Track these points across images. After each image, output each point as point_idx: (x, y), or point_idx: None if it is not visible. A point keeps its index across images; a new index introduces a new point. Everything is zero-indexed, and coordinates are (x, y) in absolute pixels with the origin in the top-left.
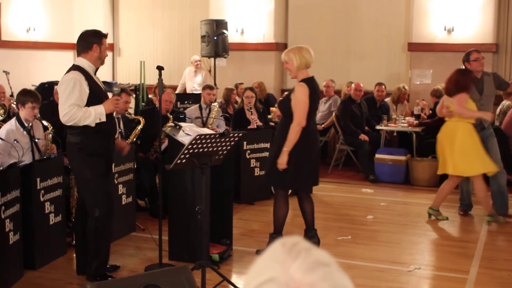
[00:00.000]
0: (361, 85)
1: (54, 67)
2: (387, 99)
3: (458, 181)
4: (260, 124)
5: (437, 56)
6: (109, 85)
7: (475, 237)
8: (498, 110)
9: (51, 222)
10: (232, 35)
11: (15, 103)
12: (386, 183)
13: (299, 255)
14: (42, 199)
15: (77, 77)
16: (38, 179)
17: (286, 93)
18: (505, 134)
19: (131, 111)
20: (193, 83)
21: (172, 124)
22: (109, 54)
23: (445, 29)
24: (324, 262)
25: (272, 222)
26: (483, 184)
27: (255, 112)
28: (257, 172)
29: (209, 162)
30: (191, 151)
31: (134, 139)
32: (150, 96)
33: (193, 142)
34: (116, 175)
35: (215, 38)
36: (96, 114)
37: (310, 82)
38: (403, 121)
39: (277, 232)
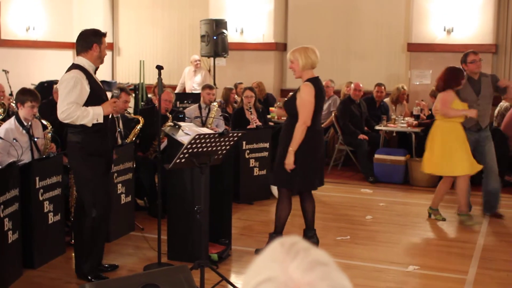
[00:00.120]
0: (361, 85)
1: (53, 66)
2: (386, 99)
3: (452, 181)
4: (260, 124)
5: (436, 56)
6: (108, 84)
7: (473, 237)
8: (496, 111)
9: (50, 221)
10: (232, 35)
11: (14, 102)
12: (385, 183)
13: (297, 255)
14: (41, 198)
15: (78, 76)
16: (37, 178)
17: (291, 93)
18: (504, 134)
19: (131, 110)
20: (193, 83)
21: (172, 124)
22: (109, 53)
23: (444, 30)
24: (322, 261)
25: (271, 222)
26: (467, 184)
27: (254, 112)
28: (256, 172)
29: (208, 162)
30: (190, 150)
31: (133, 139)
32: (149, 95)
33: (192, 141)
34: (115, 174)
35: (215, 37)
36: (94, 115)
37: (316, 82)
38: (402, 121)
39: (277, 232)
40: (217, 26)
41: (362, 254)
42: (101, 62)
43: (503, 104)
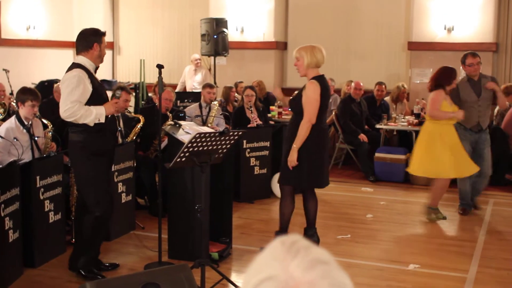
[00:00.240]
0: (361, 84)
1: (54, 65)
2: (387, 98)
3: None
4: (260, 122)
5: (437, 55)
6: (108, 83)
7: (474, 236)
8: (495, 111)
9: (50, 220)
10: (232, 34)
11: (14, 101)
12: (386, 182)
13: (298, 253)
14: (41, 197)
15: (81, 74)
16: (37, 177)
17: (296, 91)
18: (504, 133)
19: (131, 109)
20: (193, 82)
21: (172, 123)
22: (109, 52)
23: (445, 28)
24: (323, 260)
25: (272, 220)
26: (446, 184)
27: (255, 110)
28: (256, 170)
29: (209, 161)
30: (190, 149)
31: (134, 138)
32: (150, 94)
33: (193, 140)
34: (116, 173)
35: (215, 36)
36: (96, 114)
37: (321, 80)
38: (402, 120)
39: (282, 230)
40: (217, 25)
41: (362, 252)
42: (101, 61)
43: None
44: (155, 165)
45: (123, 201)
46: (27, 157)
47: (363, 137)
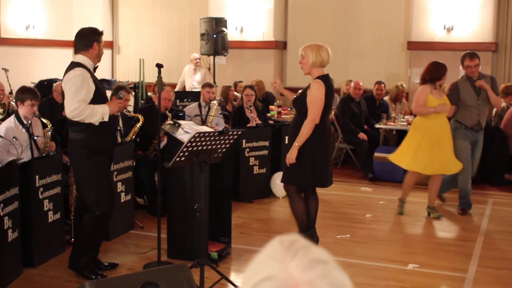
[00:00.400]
0: (361, 83)
1: (53, 64)
2: (386, 98)
3: (440, 176)
4: (259, 122)
5: (436, 54)
6: (108, 82)
7: (473, 236)
8: (494, 111)
9: (50, 220)
10: (232, 33)
11: (14, 100)
12: (385, 181)
13: (297, 253)
14: (41, 197)
15: (84, 73)
16: (37, 177)
17: (300, 90)
18: (504, 133)
19: (130, 108)
20: (193, 81)
21: (171, 122)
22: (109, 51)
23: (444, 28)
24: (322, 259)
25: (271, 220)
26: (414, 179)
27: (254, 110)
28: (256, 170)
29: (208, 160)
30: (190, 149)
31: (133, 137)
32: (149, 94)
33: (192, 140)
34: (115, 173)
35: (215, 36)
36: (102, 114)
37: (326, 79)
38: (402, 119)
39: (303, 229)
40: (217, 25)
41: (362, 252)
42: (99, 60)
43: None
44: (155, 165)
45: (122, 200)
46: (26, 157)
47: (362, 135)
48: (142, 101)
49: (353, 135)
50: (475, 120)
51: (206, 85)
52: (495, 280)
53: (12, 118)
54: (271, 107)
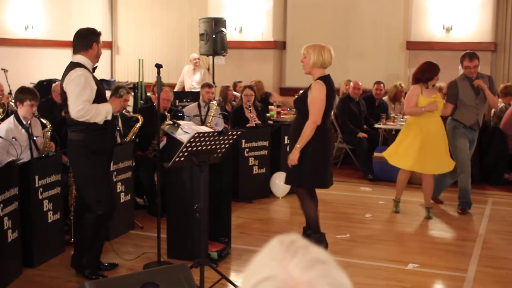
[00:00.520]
0: (360, 83)
1: (52, 65)
2: (385, 98)
3: (432, 177)
4: (259, 122)
5: (435, 54)
6: (107, 83)
7: (473, 235)
8: (492, 112)
9: (49, 220)
10: (231, 33)
11: (13, 101)
12: (385, 181)
13: (297, 253)
14: (40, 197)
15: (86, 73)
16: (36, 177)
17: (301, 91)
18: (503, 133)
19: (130, 109)
20: (192, 81)
21: (171, 122)
22: (108, 52)
23: (443, 28)
24: (322, 259)
25: (271, 220)
26: (406, 177)
27: (253, 110)
28: (255, 170)
29: (208, 160)
30: (189, 149)
31: (133, 137)
32: (148, 94)
33: (192, 140)
34: (115, 173)
35: (214, 36)
36: (106, 112)
37: (327, 80)
38: (401, 119)
39: (317, 231)
40: (216, 25)
41: (361, 252)
42: (97, 61)
43: (499, 104)
44: (154, 165)
45: (122, 200)
46: (25, 157)
47: (362, 133)
48: (141, 102)
49: (352, 135)
50: (474, 119)
51: (206, 85)
52: (495, 279)
53: (11, 119)
54: (270, 107)
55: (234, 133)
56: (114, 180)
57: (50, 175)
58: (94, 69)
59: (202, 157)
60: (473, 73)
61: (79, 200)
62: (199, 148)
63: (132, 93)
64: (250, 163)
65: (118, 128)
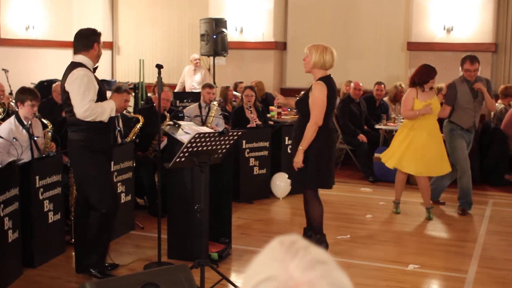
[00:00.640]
0: (360, 84)
1: (53, 65)
2: (385, 98)
3: (426, 178)
4: (259, 123)
5: (436, 55)
6: (108, 83)
7: (474, 236)
8: (492, 113)
9: (50, 220)
10: (232, 34)
11: (14, 101)
12: (385, 182)
13: (297, 254)
14: (41, 197)
15: (88, 73)
16: (37, 177)
17: (302, 92)
18: (504, 134)
19: (130, 109)
20: (192, 82)
21: (171, 123)
22: (109, 52)
23: (444, 29)
24: (322, 260)
25: (271, 221)
26: (403, 178)
27: (254, 111)
28: (256, 171)
29: (208, 161)
30: (190, 149)
31: (133, 138)
32: (149, 94)
33: (192, 140)
34: (115, 173)
35: (214, 36)
36: (110, 110)
37: (328, 80)
38: (401, 120)
39: (319, 233)
40: (216, 25)
41: (362, 253)
42: (98, 61)
43: (499, 106)
44: (155, 165)
45: (122, 201)
46: (26, 157)
47: (362, 137)
48: (142, 102)
49: (353, 136)
50: (471, 122)
51: (206, 86)
52: (495, 280)
53: (12, 119)
54: (271, 107)
55: (235, 133)
56: (115, 180)
57: (51, 175)
58: (95, 69)
59: (203, 158)
60: (473, 76)
61: (79, 201)
62: (200, 148)
63: (133, 94)
64: (251, 164)
65: (118, 129)
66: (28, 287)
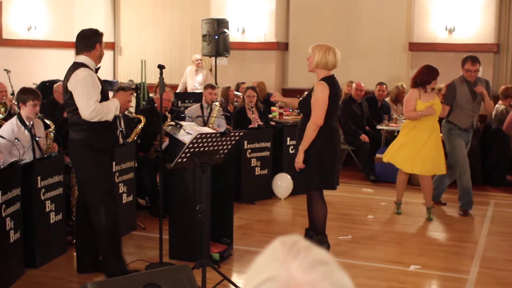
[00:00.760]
0: (362, 84)
1: (55, 65)
2: (388, 99)
3: (429, 178)
4: (261, 123)
5: (438, 56)
6: (110, 84)
7: (475, 237)
8: (493, 114)
9: (51, 221)
10: (233, 34)
11: (15, 102)
12: (387, 182)
13: (299, 254)
14: (43, 198)
15: (91, 74)
16: (39, 178)
17: (306, 92)
18: (506, 134)
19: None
20: (194, 82)
21: (173, 123)
22: (110, 52)
23: (446, 29)
24: (323, 260)
25: (273, 221)
26: (404, 177)
27: (256, 111)
28: (257, 171)
29: (210, 161)
30: (192, 150)
31: (135, 138)
32: (151, 95)
33: (194, 141)
34: (117, 174)
35: (216, 37)
36: (115, 109)
37: (330, 81)
38: (403, 121)
39: (321, 233)
40: (218, 26)
41: (363, 253)
42: (100, 61)
43: (499, 107)
44: (156, 166)
45: (124, 201)
46: (28, 158)
47: (364, 137)
48: (143, 102)
49: (354, 136)
50: (469, 122)
51: (208, 87)
52: (497, 281)
53: (14, 119)
54: (272, 108)
55: (237, 134)
56: (116, 181)
57: (53, 175)
58: (97, 69)
59: (205, 158)
60: (474, 77)
61: (81, 201)
62: (202, 149)
63: (135, 94)
64: (252, 164)
65: (120, 129)
66: (29, 287)
